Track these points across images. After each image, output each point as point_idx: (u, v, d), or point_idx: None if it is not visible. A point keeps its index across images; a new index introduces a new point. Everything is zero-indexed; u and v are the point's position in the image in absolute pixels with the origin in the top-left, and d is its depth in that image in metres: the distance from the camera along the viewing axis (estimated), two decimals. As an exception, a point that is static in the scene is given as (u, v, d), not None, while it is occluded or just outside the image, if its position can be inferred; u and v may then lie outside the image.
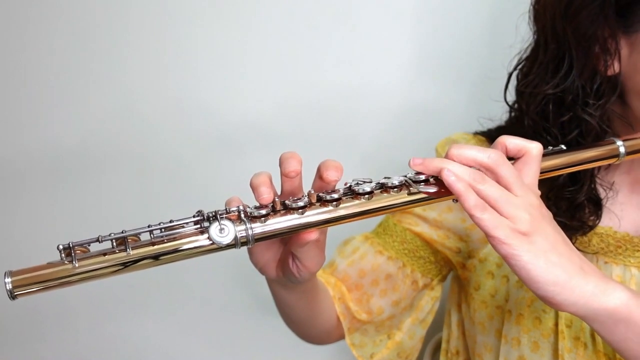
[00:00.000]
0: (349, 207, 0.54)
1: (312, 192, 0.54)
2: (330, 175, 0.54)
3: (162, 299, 1.14)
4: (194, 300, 1.14)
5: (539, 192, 0.57)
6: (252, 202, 0.55)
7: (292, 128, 1.05)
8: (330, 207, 0.54)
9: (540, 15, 0.70)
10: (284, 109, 1.05)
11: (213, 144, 1.06)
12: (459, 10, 1.00)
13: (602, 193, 0.71)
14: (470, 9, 1.00)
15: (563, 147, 0.62)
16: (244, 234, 0.52)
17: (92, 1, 1.01)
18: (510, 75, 0.75)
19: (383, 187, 0.55)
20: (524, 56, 0.74)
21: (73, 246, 0.50)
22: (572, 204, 0.69)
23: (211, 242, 0.52)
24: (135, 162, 1.07)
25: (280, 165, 0.55)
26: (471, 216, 0.52)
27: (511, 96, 0.75)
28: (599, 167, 0.71)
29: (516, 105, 0.75)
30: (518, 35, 0.74)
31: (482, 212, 0.52)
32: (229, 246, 0.52)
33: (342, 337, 0.80)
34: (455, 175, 0.53)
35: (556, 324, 0.71)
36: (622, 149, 0.61)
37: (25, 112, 1.05)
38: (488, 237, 0.52)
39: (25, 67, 1.04)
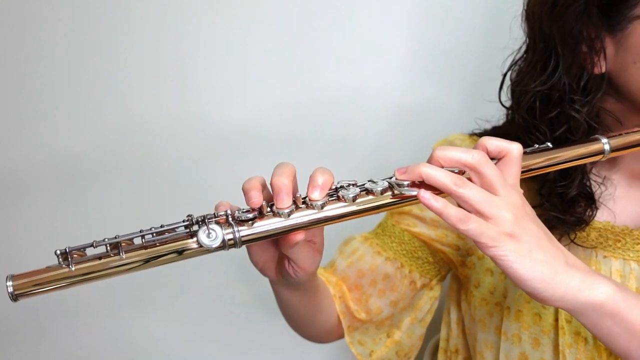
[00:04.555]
0: (333, 209, 0.56)
1: (298, 195, 0.56)
2: (313, 196, 0.56)
3: (161, 296, 1.16)
4: (194, 298, 1.16)
5: (522, 191, 0.58)
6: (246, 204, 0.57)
7: (289, 129, 1.06)
8: (315, 210, 0.56)
9: (530, 16, 0.71)
10: (281, 111, 1.06)
11: (212, 147, 1.08)
12: (455, 12, 1.01)
13: (596, 188, 0.71)
14: (466, 11, 1.01)
15: (549, 144, 0.62)
16: (231, 237, 0.55)
17: (93, 3, 1.03)
18: (504, 76, 0.76)
19: (367, 191, 0.57)
20: (517, 57, 0.75)
21: (70, 251, 0.53)
22: (564, 199, 0.70)
23: (200, 245, 0.54)
24: (134, 166, 1.09)
25: (273, 186, 0.56)
26: (456, 229, 0.54)
27: (506, 97, 0.76)
28: (593, 162, 0.72)
29: (510, 106, 0.76)
30: (511, 36, 0.75)
31: (466, 224, 0.53)
32: (217, 249, 0.55)
33: (342, 335, 0.81)
34: (431, 194, 0.54)
35: (556, 320, 0.71)
36: (606, 147, 0.61)
37: (25, 118, 1.07)
38: (475, 243, 0.54)
39: (26, 74, 1.06)
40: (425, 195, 0.54)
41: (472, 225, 0.53)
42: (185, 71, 1.06)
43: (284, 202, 0.55)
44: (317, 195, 0.56)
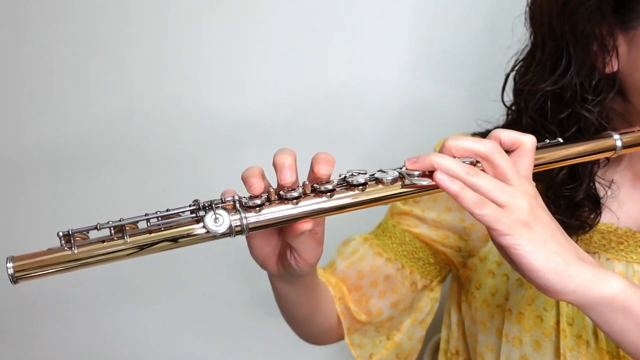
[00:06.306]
0: (342, 197, 0.55)
1: (307, 183, 0.55)
2: (321, 169, 0.55)
3: (159, 294, 1.14)
4: (191, 297, 1.15)
5: (534, 184, 0.57)
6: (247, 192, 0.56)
7: (291, 126, 1.06)
8: (324, 198, 0.55)
9: (537, 15, 0.70)
10: (283, 107, 1.06)
11: (213, 141, 1.07)
12: (457, 11, 1.02)
13: (601, 191, 0.71)
14: (468, 10, 1.01)
15: (560, 139, 0.62)
16: (239, 223, 0.53)
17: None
18: (507, 76, 0.76)
19: (377, 180, 0.56)
20: (521, 57, 0.74)
21: (72, 233, 0.52)
22: (571, 202, 0.69)
23: (206, 230, 0.53)
24: (135, 158, 1.08)
25: (275, 164, 0.56)
26: (472, 214, 0.53)
27: (508, 97, 0.76)
28: (598, 165, 0.71)
29: (514, 106, 0.75)
30: (515, 36, 0.75)
31: (482, 208, 0.52)
32: (223, 235, 0.53)
33: (341, 337, 0.80)
34: (448, 177, 0.53)
35: (558, 322, 0.70)
36: (618, 143, 0.61)
37: (26, 107, 1.06)
38: (489, 230, 0.53)
39: (26, 63, 1.05)
40: (442, 177, 0.53)
41: (488, 211, 0.52)
42: (187, 66, 1.05)
43: (287, 176, 0.54)
44: (326, 170, 0.55)
